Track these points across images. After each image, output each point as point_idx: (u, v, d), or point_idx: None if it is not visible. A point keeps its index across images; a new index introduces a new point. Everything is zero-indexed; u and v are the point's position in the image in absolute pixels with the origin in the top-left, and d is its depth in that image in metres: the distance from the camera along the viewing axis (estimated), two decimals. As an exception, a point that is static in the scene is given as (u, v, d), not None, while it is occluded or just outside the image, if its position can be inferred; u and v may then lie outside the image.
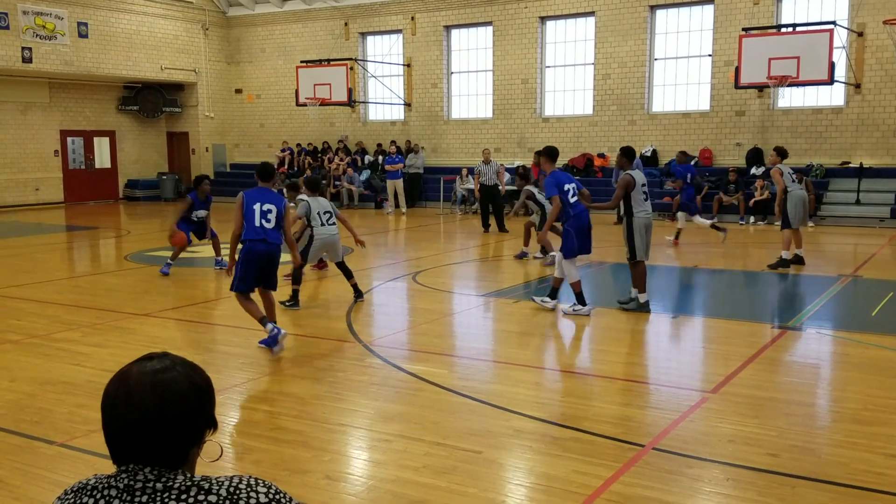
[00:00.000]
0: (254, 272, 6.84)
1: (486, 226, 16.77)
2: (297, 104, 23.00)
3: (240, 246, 6.89)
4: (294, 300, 8.74)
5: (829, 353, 7.18)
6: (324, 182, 23.58)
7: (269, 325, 6.80)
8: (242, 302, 6.94)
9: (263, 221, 6.79)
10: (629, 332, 7.89)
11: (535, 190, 12.04)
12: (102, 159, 25.63)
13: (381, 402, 5.61)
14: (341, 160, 23.84)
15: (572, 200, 8.32)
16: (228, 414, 5.42)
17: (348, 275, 9.12)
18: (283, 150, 25.68)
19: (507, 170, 21.01)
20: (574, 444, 4.73)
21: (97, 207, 23.54)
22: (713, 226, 14.12)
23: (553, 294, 8.60)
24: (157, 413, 1.46)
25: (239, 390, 5.92)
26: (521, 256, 12.46)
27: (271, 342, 6.79)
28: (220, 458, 1.63)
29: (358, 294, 9.06)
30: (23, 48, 21.49)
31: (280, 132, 26.49)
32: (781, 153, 11.42)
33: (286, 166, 25.34)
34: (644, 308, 8.47)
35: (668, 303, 9.28)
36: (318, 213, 8.99)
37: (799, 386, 6.05)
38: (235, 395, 5.83)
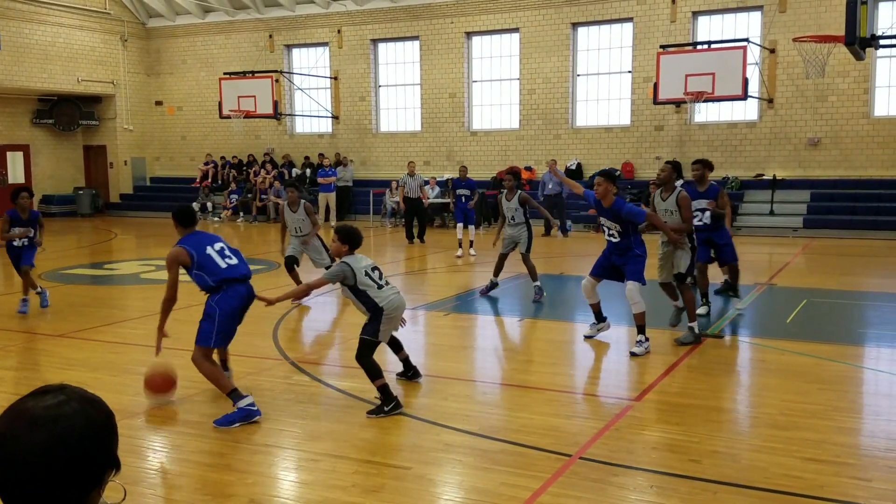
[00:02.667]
0: (238, 320, 5.73)
1: (409, 237, 16.88)
2: (221, 116, 22.59)
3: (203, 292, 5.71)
4: (388, 396, 5.69)
5: (747, 360, 7.43)
6: (249, 195, 23.24)
7: (247, 399, 5.45)
8: (206, 366, 5.57)
9: (227, 260, 5.65)
10: (556, 343, 7.99)
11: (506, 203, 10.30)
12: (16, 174, 24.57)
13: (309, 420, 5.51)
14: (267, 173, 23.49)
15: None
16: (147, 437, 5.23)
17: (398, 346, 6.44)
18: (206, 164, 25.14)
19: (437, 183, 21.13)
20: (503, 457, 4.74)
21: (9, 224, 22.50)
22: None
23: (642, 331, 7.45)
24: (48, 452, 1.34)
25: (158, 413, 5.72)
26: (492, 287, 10.40)
27: (241, 417, 5.36)
28: (123, 500, 1.51)
29: (411, 372, 6.46)
30: (-74, 58, 20.45)
31: (203, 145, 25.94)
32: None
33: (209, 180, 24.81)
34: (698, 338, 7.62)
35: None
36: (367, 272, 5.87)
37: (719, 392, 6.23)
38: (154, 417, 5.63)
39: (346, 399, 5.96)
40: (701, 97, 17.22)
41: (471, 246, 14.63)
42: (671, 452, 4.78)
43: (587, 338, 7.94)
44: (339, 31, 23.63)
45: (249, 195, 23.39)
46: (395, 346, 6.36)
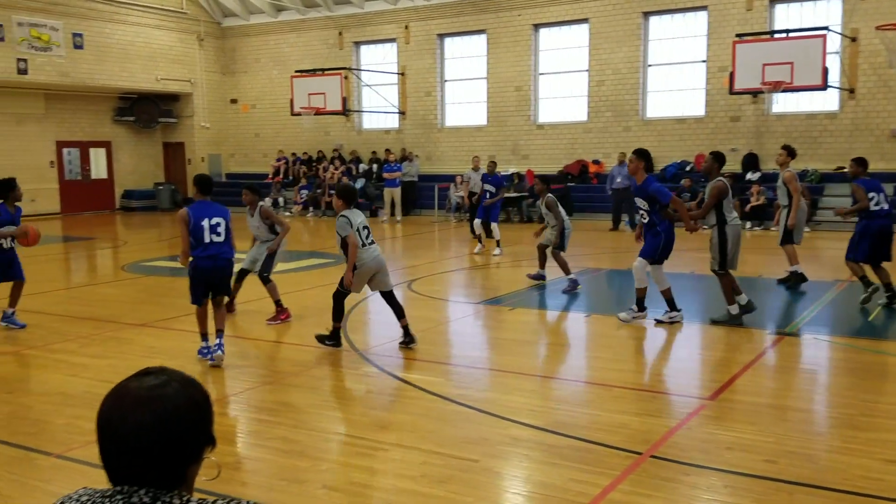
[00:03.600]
0: (202, 288, 6.78)
1: (473, 232, 16.73)
2: (292, 114, 23.05)
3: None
4: (335, 338, 7.19)
5: (826, 359, 7.19)
6: (318, 191, 23.66)
7: (205, 342, 6.89)
8: (197, 313, 6.96)
9: (213, 236, 6.56)
10: (626, 339, 7.89)
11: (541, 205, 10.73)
12: (98, 170, 25.62)
13: (378, 410, 5.60)
14: (336, 169, 23.86)
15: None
16: (225, 424, 5.40)
17: (400, 312, 7.21)
18: (278, 160, 25.70)
19: (503, 176, 21.05)
20: (571, 453, 4.72)
21: (93, 218, 23.51)
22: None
23: (640, 305, 8.15)
24: (153, 430, 1.42)
25: (236, 400, 5.91)
26: (538, 278, 10.80)
27: (204, 353, 6.85)
28: (218, 476, 1.60)
29: (408, 338, 7.21)
30: (18, 60, 21.50)
31: (275, 142, 26.51)
32: (792, 153, 10.32)
33: (281, 175, 25.36)
34: (738, 319, 7.97)
35: (664, 309, 9.27)
36: (358, 230, 6.98)
37: (796, 392, 6.05)
38: (232, 405, 5.82)
39: (413, 391, 6.03)
40: (779, 87, 16.69)
41: (497, 245, 14.00)
42: (745, 452, 4.68)
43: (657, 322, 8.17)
44: (406, 27, 23.78)
45: (318, 191, 23.80)
46: (398, 312, 7.17)
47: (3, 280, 8.24)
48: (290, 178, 25.33)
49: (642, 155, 7.98)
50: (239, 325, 8.50)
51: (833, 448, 4.78)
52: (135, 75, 24.53)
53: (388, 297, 7.25)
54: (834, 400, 5.92)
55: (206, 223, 6.49)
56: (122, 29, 24.14)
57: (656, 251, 8.08)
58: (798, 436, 4.96)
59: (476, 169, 17.08)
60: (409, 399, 5.88)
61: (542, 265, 10.67)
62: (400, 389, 6.12)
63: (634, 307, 8.11)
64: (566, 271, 10.20)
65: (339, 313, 7.11)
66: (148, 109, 26.12)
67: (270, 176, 25.46)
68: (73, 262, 15.29)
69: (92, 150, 25.35)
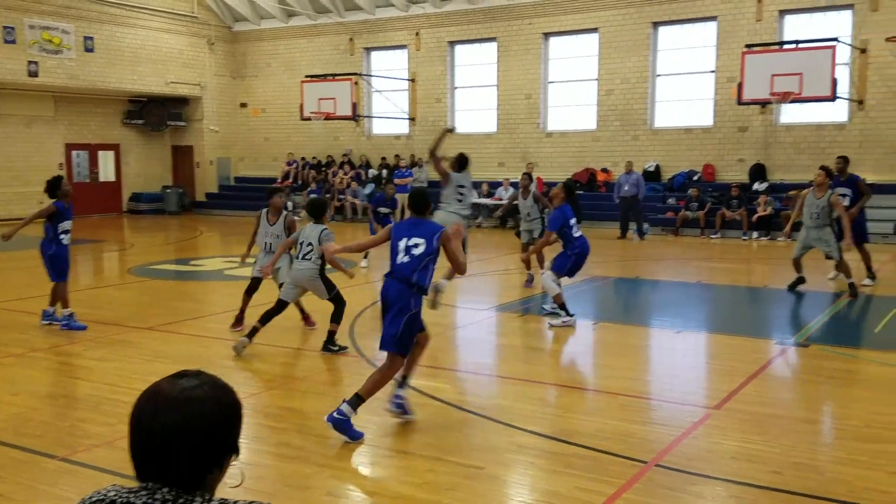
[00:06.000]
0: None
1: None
2: (302, 118, 23.13)
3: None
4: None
5: (833, 370, 7.16)
6: (328, 195, 23.71)
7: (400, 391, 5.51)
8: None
9: (404, 257, 5.44)
10: (632, 347, 7.88)
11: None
12: (107, 172, 25.74)
13: (384, 417, 5.60)
14: (345, 174, 23.93)
15: (576, 234, 8.77)
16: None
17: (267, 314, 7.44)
18: (289, 163, 25.79)
19: (511, 184, 21.10)
20: (577, 461, 4.71)
21: (101, 220, 23.61)
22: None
23: (565, 309, 8.52)
24: (180, 431, 1.46)
25: (242, 405, 5.92)
26: (529, 283, 11.20)
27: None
28: (241, 484, 1.63)
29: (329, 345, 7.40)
30: (29, 62, 21.64)
31: (285, 146, 26.60)
32: (830, 174, 10.63)
33: (291, 179, 25.43)
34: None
35: (672, 318, 9.27)
36: (299, 241, 7.56)
37: (802, 403, 6.03)
38: (238, 409, 5.83)
39: (419, 397, 6.03)
40: (787, 98, 16.67)
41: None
42: (751, 463, 4.66)
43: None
44: (417, 34, 23.86)
45: (328, 195, 23.86)
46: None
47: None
48: (300, 182, 25.39)
49: (566, 188, 8.90)
50: (246, 329, 8.51)
51: (838, 459, 4.76)
52: (144, 78, 24.66)
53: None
54: (840, 411, 5.89)
55: (402, 243, 5.48)
56: (133, 32, 24.28)
57: (564, 269, 8.79)
58: (804, 447, 4.94)
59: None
60: (416, 405, 5.86)
61: (529, 265, 11.12)
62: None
63: (562, 313, 8.50)
64: (541, 265, 10.65)
65: (267, 318, 7.33)
66: (157, 112, 26.24)
67: (280, 180, 25.53)
68: (80, 264, 15.33)
69: (101, 153, 25.47)
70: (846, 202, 10.77)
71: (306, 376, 6.64)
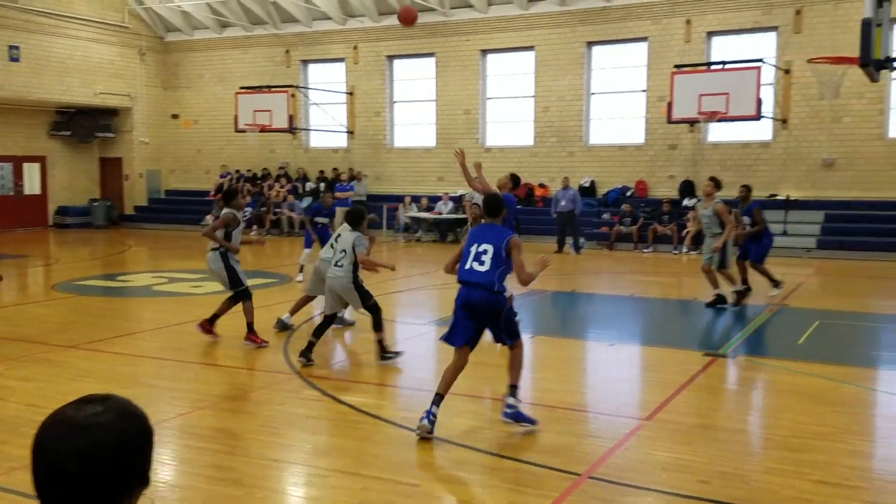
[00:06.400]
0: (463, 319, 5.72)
1: None
2: (237, 130, 22.80)
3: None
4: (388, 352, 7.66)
5: (759, 380, 7.39)
6: (263, 209, 23.38)
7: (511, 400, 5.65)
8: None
9: (475, 263, 5.60)
10: (568, 361, 7.98)
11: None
12: (32, 185, 24.83)
13: (319, 435, 5.52)
14: (282, 187, 23.64)
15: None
16: (157, 451, 5.24)
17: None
18: (222, 176, 25.35)
19: (451, 198, 21.21)
20: (513, 475, 4.73)
21: (26, 235, 22.74)
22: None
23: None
24: (84, 458, 1.40)
25: (168, 426, 5.75)
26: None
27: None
28: None
29: (307, 350, 7.50)
30: (-51, 70, 20.78)
31: (218, 158, 26.16)
32: (719, 184, 10.92)
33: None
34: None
35: (606, 331, 9.43)
36: (332, 243, 8.27)
37: (730, 413, 6.19)
38: (165, 430, 5.66)
39: (356, 414, 5.97)
40: (715, 117, 17.22)
41: None
42: (681, 473, 4.76)
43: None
44: (355, 48, 23.83)
45: (263, 208, 23.53)
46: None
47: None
48: (233, 196, 24.94)
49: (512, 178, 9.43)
50: (172, 348, 8.30)
51: (765, 469, 4.89)
52: (72, 89, 23.93)
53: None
54: (766, 421, 6.08)
55: (473, 248, 5.65)
56: (61, 42, 23.56)
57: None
58: (731, 456, 5.07)
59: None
60: (352, 423, 5.81)
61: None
62: (342, 413, 6.05)
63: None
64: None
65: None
66: (85, 124, 25.48)
67: (212, 193, 25.06)
68: (3, 280, 14.73)
69: (26, 165, 24.56)
70: (748, 230, 11.26)
71: (237, 395, 6.50)
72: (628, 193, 20.37)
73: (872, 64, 9.54)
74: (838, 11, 18.16)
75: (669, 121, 18.19)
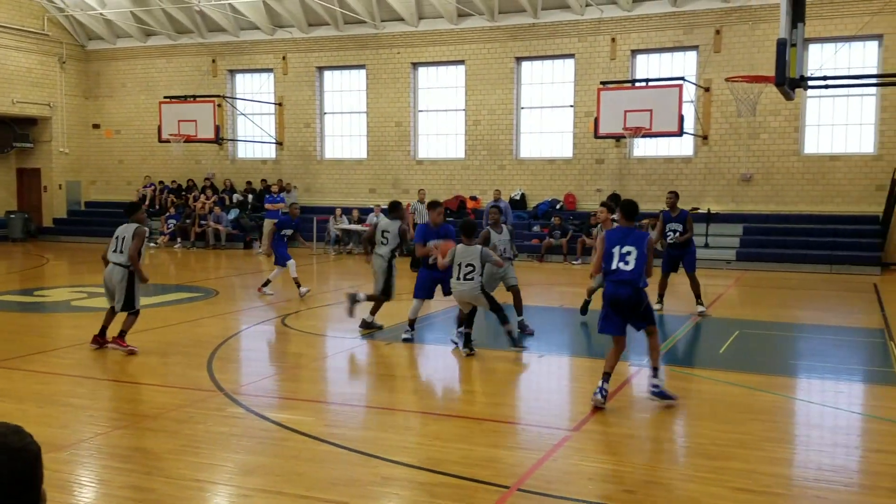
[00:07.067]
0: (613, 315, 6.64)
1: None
2: (160, 140, 22.27)
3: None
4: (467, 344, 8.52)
5: (681, 390, 7.54)
6: (188, 221, 22.82)
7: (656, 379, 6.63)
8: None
9: (621, 264, 6.44)
10: (498, 373, 8.01)
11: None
12: (-59, 196, 23.66)
13: (243, 454, 5.38)
14: (207, 198, 23.14)
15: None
16: (73, 472, 5.03)
17: (469, 323, 8.66)
18: (145, 187, 24.66)
19: (382, 211, 21.12)
20: (442, 490, 4.70)
21: (-67, 248, 21.59)
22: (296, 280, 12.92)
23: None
24: None
25: (86, 446, 5.51)
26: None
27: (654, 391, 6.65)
28: None
29: (467, 344, 8.54)
30: None
31: (141, 169, 25.46)
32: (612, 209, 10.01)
33: (147, 203, 24.31)
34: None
35: (536, 342, 9.50)
36: (460, 264, 8.38)
37: (654, 422, 6.31)
38: (82, 451, 5.42)
39: (282, 432, 5.84)
40: (639, 132, 17.67)
41: None
42: (607, 483, 4.82)
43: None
44: (283, 58, 23.57)
45: (188, 220, 22.98)
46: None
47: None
48: (157, 206, 24.32)
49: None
50: (90, 366, 7.99)
51: (686, 477, 5.00)
52: (-13, 97, 22.94)
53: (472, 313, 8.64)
54: (689, 430, 6.22)
55: (616, 250, 6.48)
56: (-26, 47, 22.57)
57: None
58: (655, 465, 5.17)
59: (423, 201, 17.24)
60: (278, 441, 5.68)
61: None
62: (268, 431, 5.91)
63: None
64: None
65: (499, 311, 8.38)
66: (2, 133, 24.46)
67: (136, 203, 24.34)
68: None
69: (-66, 175, 23.39)
70: (677, 237, 11.35)
71: (157, 414, 6.28)
72: (558, 206, 20.70)
73: (787, 83, 9.93)
74: (756, 32, 18.92)
75: (596, 136, 18.59)
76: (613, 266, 6.43)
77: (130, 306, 8.34)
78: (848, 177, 18.71)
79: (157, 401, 6.71)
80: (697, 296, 11.33)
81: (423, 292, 9.32)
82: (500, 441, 5.73)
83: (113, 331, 8.46)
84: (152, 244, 22.95)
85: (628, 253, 6.39)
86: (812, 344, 9.68)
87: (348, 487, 4.73)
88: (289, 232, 13.00)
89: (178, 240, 22.75)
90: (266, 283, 12.86)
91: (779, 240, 18.33)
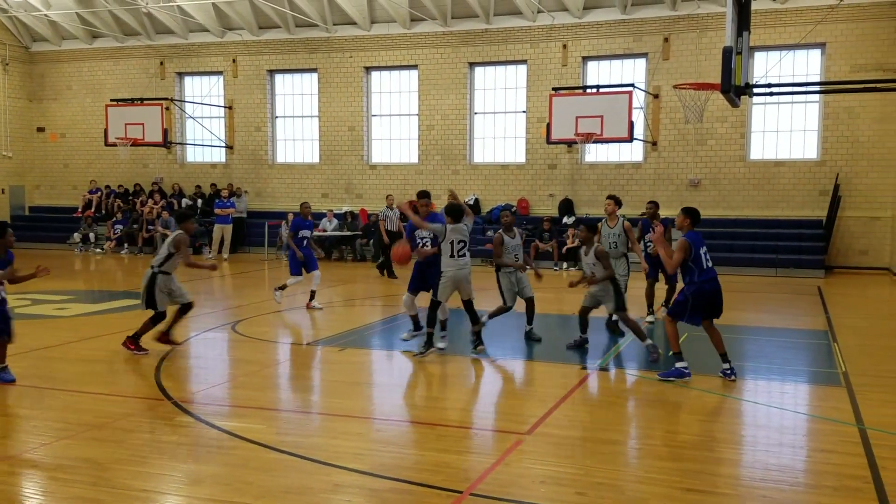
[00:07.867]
0: (704, 310, 7.68)
1: (392, 274, 16.56)
2: (106, 144, 21.81)
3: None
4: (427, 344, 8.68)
5: (632, 392, 7.65)
6: (135, 226, 22.34)
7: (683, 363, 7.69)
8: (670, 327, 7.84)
9: (707, 262, 7.60)
10: (451, 377, 8.00)
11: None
12: None
13: (191, 463, 5.27)
14: (155, 203, 22.69)
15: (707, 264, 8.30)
16: (16, 484, 4.86)
17: (474, 319, 9.01)
18: (91, 192, 24.07)
19: (336, 215, 21.01)
20: (394, 496, 4.67)
21: None
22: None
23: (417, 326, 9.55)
24: None
25: (30, 457, 5.34)
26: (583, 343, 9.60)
27: (727, 373, 7.68)
28: None
29: (477, 341, 9.00)
30: None
31: (87, 173, 24.86)
32: (619, 201, 11.23)
33: (93, 209, 23.74)
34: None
35: (488, 346, 9.52)
36: (452, 242, 8.68)
37: (605, 424, 6.38)
38: (26, 462, 5.25)
39: (232, 440, 5.75)
40: (590, 138, 17.89)
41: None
42: (559, 486, 4.85)
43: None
44: (233, 61, 23.27)
45: (135, 226, 22.50)
46: (473, 317, 9.07)
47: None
48: (104, 211, 23.75)
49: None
50: (34, 375, 7.75)
51: (638, 478, 5.06)
52: (-78, 97, 22.15)
53: (467, 305, 8.93)
54: (639, 431, 6.30)
55: (703, 251, 7.57)
56: None
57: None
58: (606, 467, 5.22)
59: (391, 207, 17.08)
60: (227, 449, 5.58)
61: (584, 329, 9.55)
62: (217, 439, 5.80)
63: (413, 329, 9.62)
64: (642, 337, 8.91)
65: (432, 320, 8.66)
66: (-62, 135, 23.62)
67: (80, 210, 23.77)
68: None
69: None
70: (651, 248, 11.32)
71: (104, 423, 6.11)
72: (512, 210, 20.80)
73: (733, 90, 10.13)
74: (703, 40, 19.34)
75: (549, 141, 18.76)
76: (705, 265, 7.53)
77: (153, 306, 8.58)
78: (792, 182, 19.23)
79: (104, 410, 6.54)
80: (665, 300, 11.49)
81: (416, 284, 9.68)
82: (452, 446, 5.72)
83: (154, 332, 8.75)
84: (98, 249, 22.43)
85: (706, 252, 7.58)
86: (759, 346, 9.90)
87: (300, 496, 4.67)
88: (307, 233, 12.29)
89: (125, 245, 22.27)
90: (312, 297, 12.18)
91: (726, 244, 18.72)
